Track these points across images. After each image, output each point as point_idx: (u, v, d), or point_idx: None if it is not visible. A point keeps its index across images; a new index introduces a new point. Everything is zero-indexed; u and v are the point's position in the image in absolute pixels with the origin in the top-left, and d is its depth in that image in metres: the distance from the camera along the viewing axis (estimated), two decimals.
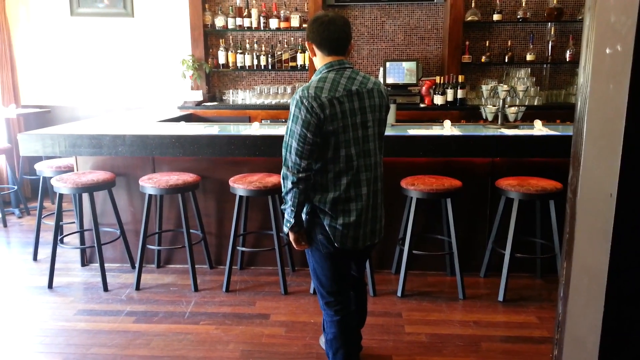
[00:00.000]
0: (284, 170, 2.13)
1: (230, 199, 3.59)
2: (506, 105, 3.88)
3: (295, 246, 2.28)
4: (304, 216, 2.23)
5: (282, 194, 2.18)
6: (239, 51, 5.53)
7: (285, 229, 2.22)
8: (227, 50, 5.55)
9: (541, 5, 5.38)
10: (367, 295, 2.63)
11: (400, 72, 5.21)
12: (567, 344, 1.13)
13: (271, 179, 3.36)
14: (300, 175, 2.09)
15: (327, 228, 2.17)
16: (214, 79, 5.82)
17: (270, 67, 5.53)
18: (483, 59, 5.35)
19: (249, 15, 5.42)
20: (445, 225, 3.56)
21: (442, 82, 5.17)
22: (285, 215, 2.19)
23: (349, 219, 2.15)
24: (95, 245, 3.52)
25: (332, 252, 2.21)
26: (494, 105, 3.95)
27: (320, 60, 2.21)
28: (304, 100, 2.06)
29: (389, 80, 5.21)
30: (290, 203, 2.14)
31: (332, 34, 2.15)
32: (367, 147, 2.17)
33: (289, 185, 2.11)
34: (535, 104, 5.18)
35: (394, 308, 3.23)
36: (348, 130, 2.11)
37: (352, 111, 2.12)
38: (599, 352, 1.05)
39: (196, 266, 3.57)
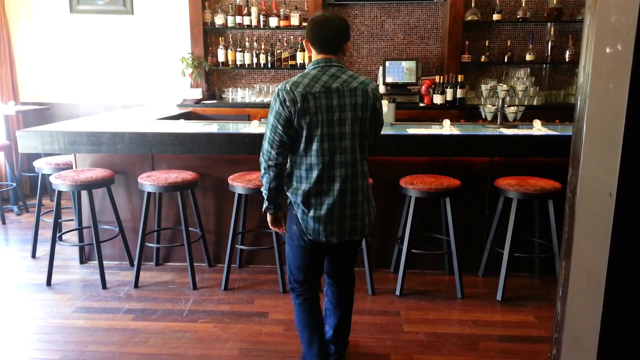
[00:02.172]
0: (260, 156, 2.26)
1: (229, 197, 3.59)
2: (505, 105, 3.88)
3: (271, 227, 2.44)
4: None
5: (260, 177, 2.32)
6: (239, 49, 5.53)
7: (263, 210, 2.39)
8: (226, 48, 5.54)
9: (541, 5, 5.38)
10: (353, 292, 2.58)
11: (399, 71, 5.21)
12: (566, 343, 1.13)
13: None
14: (270, 162, 2.22)
15: (300, 220, 2.25)
16: (214, 77, 5.81)
17: (269, 66, 5.53)
18: (483, 58, 5.35)
19: (249, 14, 5.41)
20: (444, 224, 3.56)
21: (441, 81, 5.17)
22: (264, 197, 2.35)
23: (320, 212, 2.20)
24: (94, 242, 3.52)
25: (305, 244, 2.29)
26: (493, 105, 3.95)
27: (313, 57, 2.29)
28: (280, 93, 2.16)
29: (389, 79, 5.21)
30: (265, 186, 2.29)
31: (324, 34, 2.22)
32: (343, 145, 2.19)
33: (262, 170, 2.27)
34: (535, 103, 5.19)
35: (393, 307, 3.23)
36: (322, 125, 2.15)
37: (329, 107, 2.16)
38: (598, 352, 1.05)
39: (195, 264, 3.57)
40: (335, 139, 2.18)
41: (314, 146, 2.17)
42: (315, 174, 2.19)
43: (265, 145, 2.22)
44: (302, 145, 2.19)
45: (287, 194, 2.27)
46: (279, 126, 2.16)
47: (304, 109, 2.13)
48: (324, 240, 2.24)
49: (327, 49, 2.24)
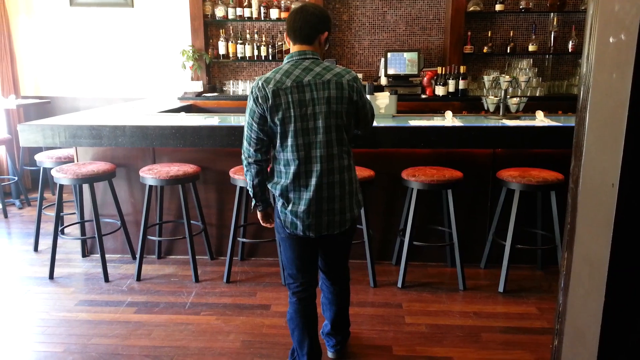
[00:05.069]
0: (241, 154, 2.30)
1: (231, 189, 3.59)
2: (508, 96, 3.86)
3: (262, 224, 2.45)
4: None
5: None
6: (239, 41, 5.51)
7: (252, 208, 2.42)
8: (227, 40, 5.52)
9: None
10: (347, 287, 2.56)
11: (401, 63, 5.19)
12: (568, 334, 1.13)
13: None
14: (250, 160, 2.24)
15: (279, 212, 2.26)
16: (214, 70, 5.80)
17: (270, 58, 5.51)
18: (485, 49, 5.33)
19: (249, 5, 5.39)
20: (446, 216, 3.56)
21: (443, 72, 5.15)
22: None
23: (297, 207, 2.20)
24: (96, 236, 3.53)
25: (287, 236, 2.29)
26: (496, 96, 3.93)
27: (291, 50, 2.24)
28: (253, 90, 2.15)
29: (391, 71, 5.19)
30: (249, 183, 2.30)
31: (295, 24, 2.18)
32: (319, 139, 2.14)
33: (244, 168, 2.30)
34: (537, 94, 5.16)
35: (395, 299, 3.23)
36: (295, 120, 2.12)
37: (301, 102, 2.11)
38: (599, 343, 1.05)
39: (197, 257, 3.58)
40: (309, 133, 2.14)
41: (289, 142, 2.14)
42: (292, 169, 2.16)
43: (244, 143, 2.24)
44: (278, 141, 2.18)
45: (269, 187, 2.27)
46: (254, 123, 2.17)
47: (275, 105, 2.10)
48: (302, 235, 2.24)
49: (300, 39, 2.18)
